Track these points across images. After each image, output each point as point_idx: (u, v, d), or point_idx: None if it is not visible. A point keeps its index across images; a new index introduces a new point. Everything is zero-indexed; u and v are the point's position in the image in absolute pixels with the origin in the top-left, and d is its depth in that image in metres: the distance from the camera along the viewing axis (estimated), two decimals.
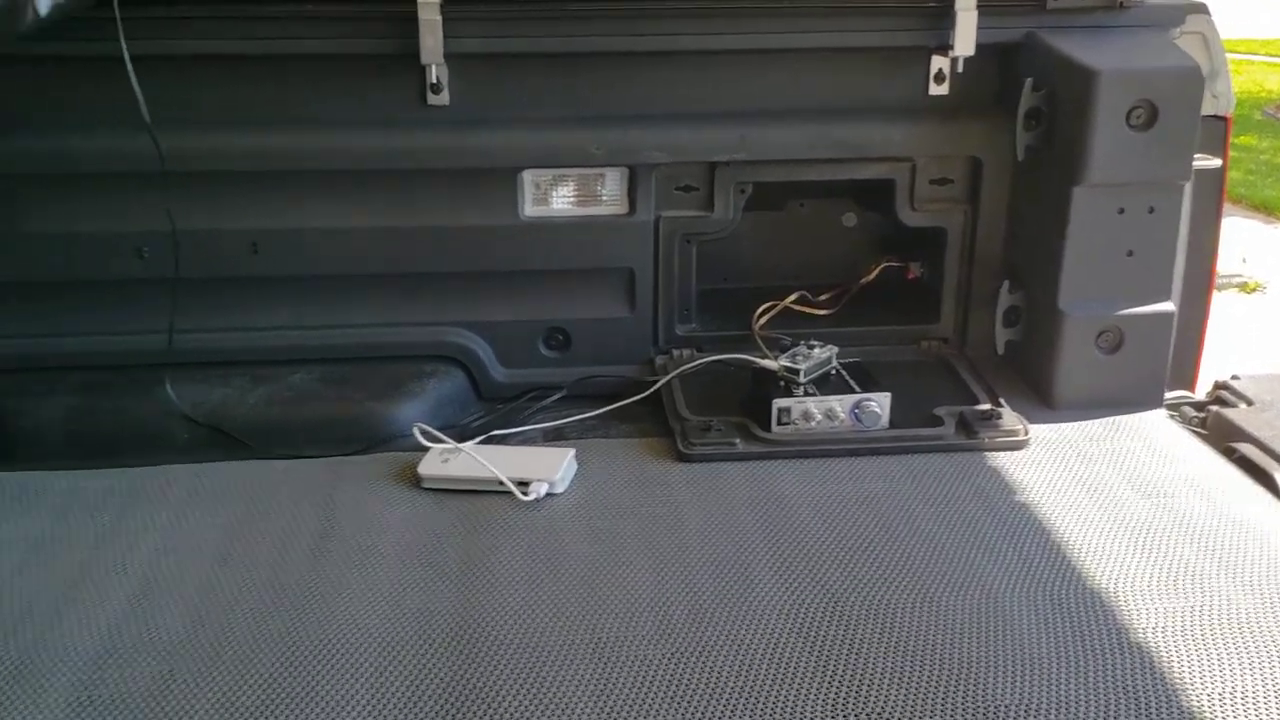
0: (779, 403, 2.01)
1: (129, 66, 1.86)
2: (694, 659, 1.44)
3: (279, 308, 2.19)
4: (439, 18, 2.02)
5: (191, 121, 2.03)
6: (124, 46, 1.84)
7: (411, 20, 2.02)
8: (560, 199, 2.22)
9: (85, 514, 1.80)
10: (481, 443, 2.01)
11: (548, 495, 1.86)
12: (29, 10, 1.63)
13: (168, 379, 2.06)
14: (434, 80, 2.09)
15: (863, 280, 2.41)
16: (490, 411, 2.20)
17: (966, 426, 2.03)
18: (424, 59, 2.04)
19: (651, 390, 2.18)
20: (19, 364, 2.13)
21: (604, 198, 2.23)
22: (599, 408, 2.16)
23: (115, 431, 2.03)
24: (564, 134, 2.16)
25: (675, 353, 2.30)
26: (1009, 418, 2.04)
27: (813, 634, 1.49)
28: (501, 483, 1.85)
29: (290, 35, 2.03)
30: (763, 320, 2.33)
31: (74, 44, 1.90)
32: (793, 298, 2.37)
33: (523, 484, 1.85)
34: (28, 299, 2.13)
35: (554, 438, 2.09)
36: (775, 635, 1.48)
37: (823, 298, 2.40)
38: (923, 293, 2.39)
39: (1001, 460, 1.96)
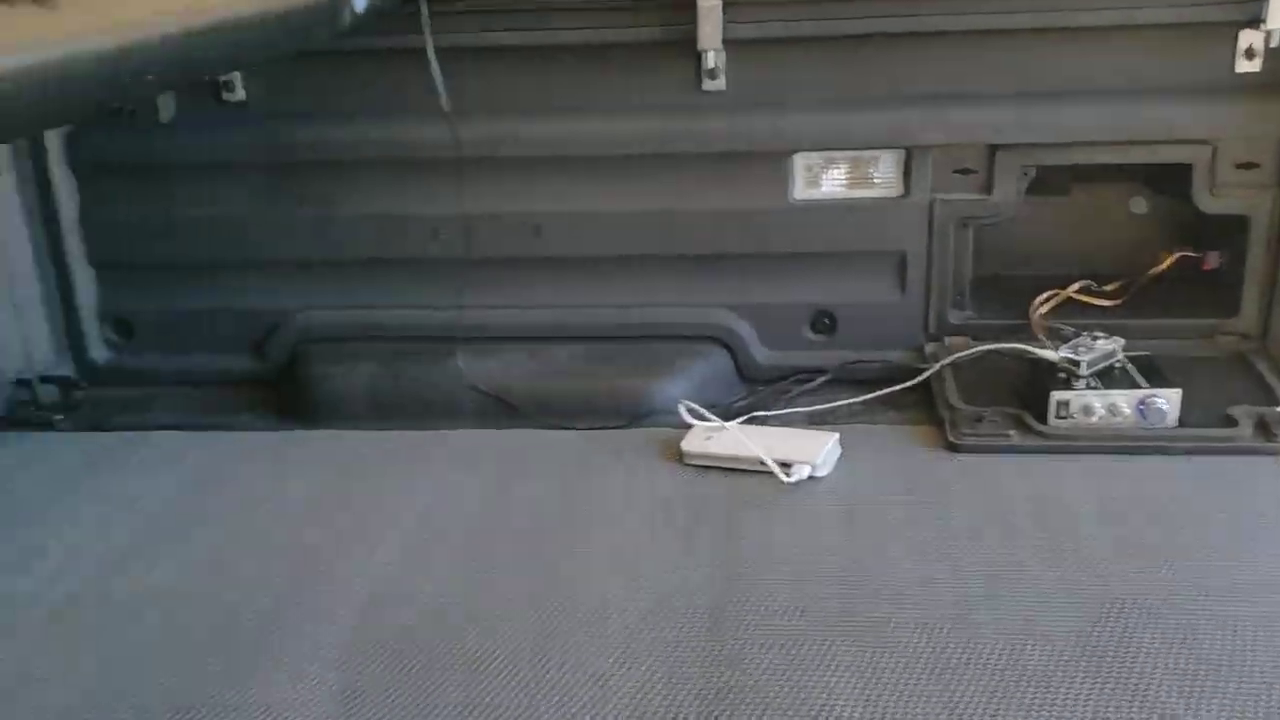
0: (1058, 395, 1.93)
1: (433, 59, 1.99)
2: (961, 652, 1.41)
3: (557, 286, 2.28)
4: (718, 3, 2.05)
5: (484, 110, 2.15)
6: (429, 40, 1.97)
7: (690, 7, 2.06)
8: (831, 181, 2.21)
9: (373, 470, 1.95)
10: (744, 423, 2.03)
11: (810, 478, 1.86)
12: (347, 10, 1.77)
13: (458, 351, 2.20)
14: (710, 66, 2.12)
15: (1154, 270, 2.26)
16: (753, 393, 2.22)
17: (1265, 429, 1.88)
18: (701, 45, 2.07)
19: (922, 378, 2.14)
20: (328, 334, 2.32)
21: (877, 180, 2.20)
22: (865, 393, 2.14)
23: (410, 397, 2.18)
24: (838, 116, 2.14)
25: (947, 340, 2.24)
26: None
27: (1090, 639, 1.42)
28: (763, 462, 1.87)
29: (575, 25, 2.11)
30: (1043, 309, 2.23)
31: (383, 39, 2.04)
32: (1075, 287, 2.26)
33: (785, 465, 1.86)
34: (338, 276, 2.31)
35: (817, 422, 2.08)
36: (1049, 637, 1.43)
37: (1108, 287, 2.27)
38: (1220, 284, 2.22)
39: None
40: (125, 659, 1.48)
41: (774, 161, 2.18)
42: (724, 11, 2.06)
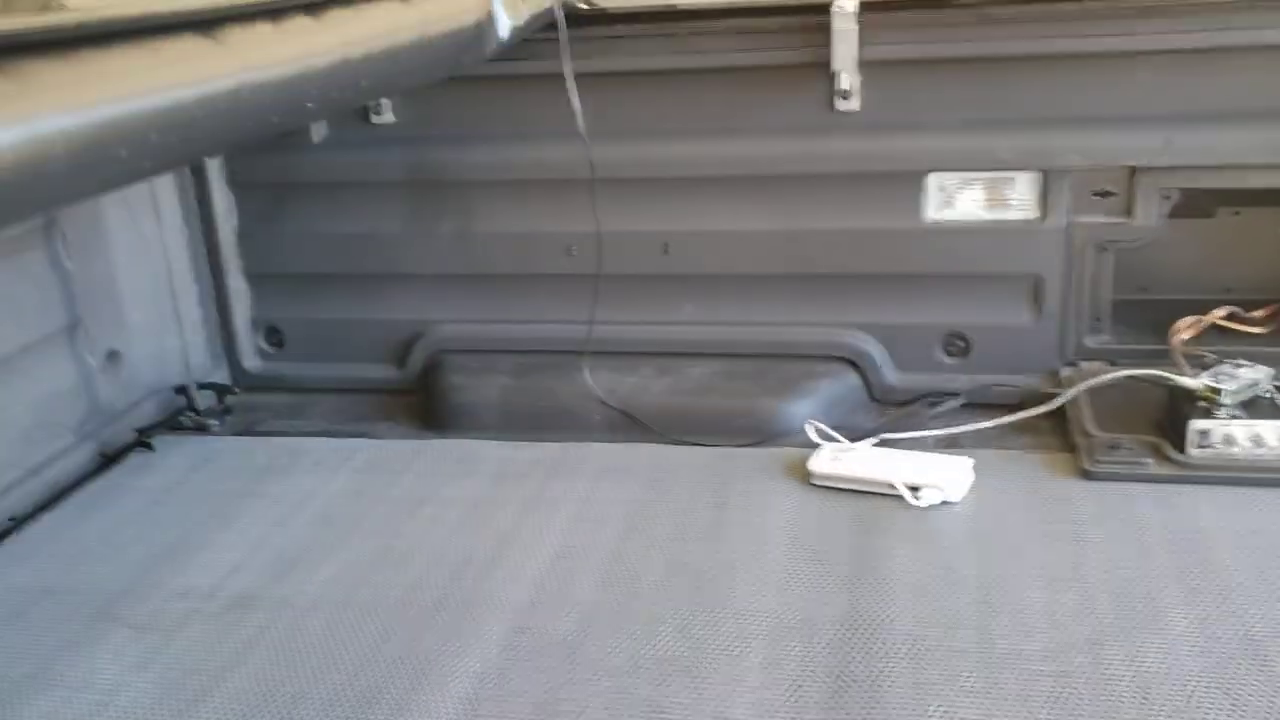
0: (1198, 424, 1.88)
1: (570, 83, 2.05)
2: (1087, 682, 1.39)
3: (685, 304, 2.32)
4: (855, 27, 2.06)
5: (618, 132, 2.20)
6: (567, 65, 2.03)
7: (824, 30, 2.07)
8: (967, 202, 2.19)
9: (515, 480, 2.01)
10: (873, 444, 2.03)
11: (942, 503, 1.85)
12: (493, 37, 1.84)
13: (586, 365, 2.25)
14: (844, 87, 2.13)
15: None
16: (883, 414, 2.21)
17: None
18: (835, 65, 2.08)
19: (1057, 403, 2.09)
20: (465, 346, 2.40)
21: (1013, 202, 2.17)
22: (998, 417, 2.11)
23: (540, 409, 2.24)
24: (974, 137, 2.13)
25: (1084, 365, 2.20)
26: None
27: (1226, 676, 1.39)
28: (893, 485, 1.87)
29: (708, 49, 2.14)
30: (1185, 335, 2.17)
31: (525, 64, 2.11)
32: (1221, 313, 2.19)
33: (914, 488, 1.85)
34: (475, 289, 2.39)
35: (948, 445, 2.07)
36: (1182, 672, 1.40)
37: (1256, 314, 2.20)
38: None
39: None
40: (293, 656, 1.56)
41: (907, 182, 2.17)
42: (859, 33, 2.06)
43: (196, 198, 2.42)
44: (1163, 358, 2.13)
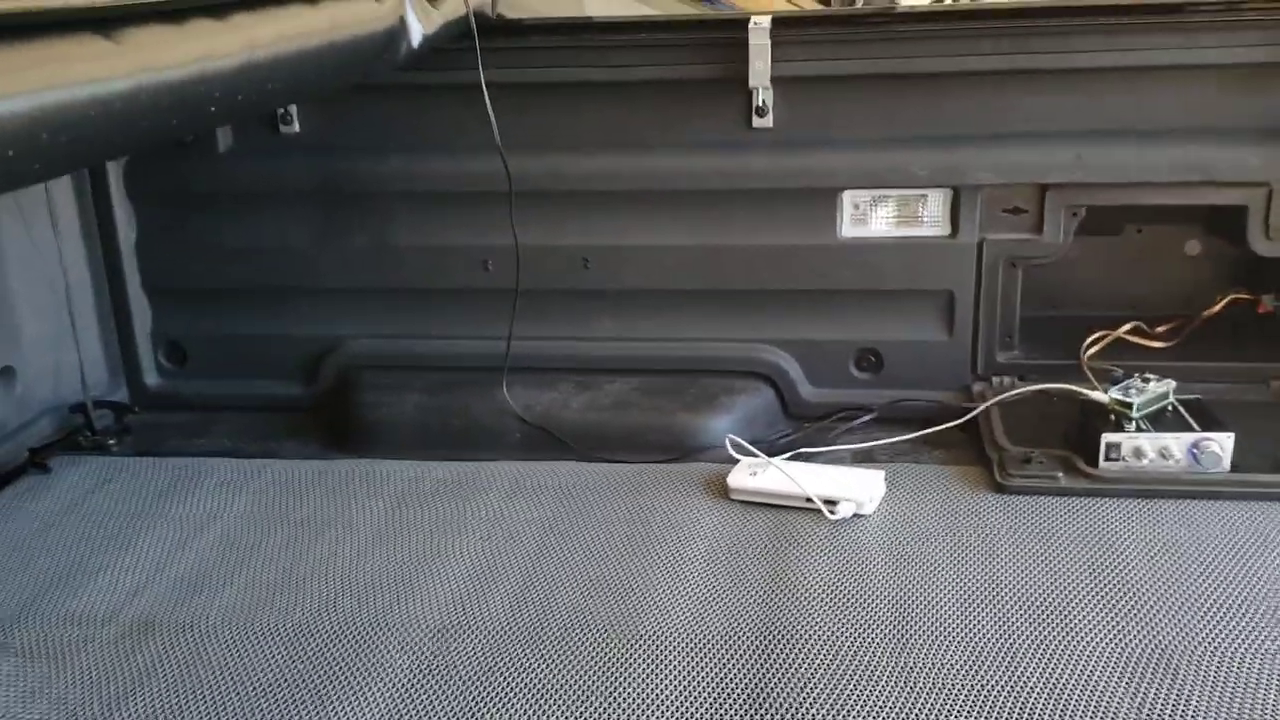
0: (1108, 437, 1.91)
1: (485, 94, 2.02)
2: (1005, 696, 1.39)
3: (604, 319, 2.30)
4: (768, 42, 2.06)
5: (535, 144, 2.18)
6: (482, 75, 2.00)
7: (742, 45, 2.07)
8: (880, 220, 2.21)
9: (424, 500, 1.96)
10: (789, 459, 2.03)
11: (855, 515, 1.85)
12: (404, 44, 1.80)
13: (504, 382, 2.21)
14: (760, 103, 2.14)
15: (1207, 313, 2.24)
16: (799, 429, 2.21)
17: None
18: (752, 82, 2.08)
19: (969, 417, 2.12)
20: (377, 361, 2.35)
21: (925, 219, 2.20)
22: (911, 432, 2.13)
23: (455, 427, 2.20)
24: (887, 155, 2.14)
25: (995, 380, 2.22)
26: None
27: (1137, 685, 1.40)
28: (809, 499, 1.86)
29: (625, 64, 2.13)
30: (1093, 350, 2.21)
31: (438, 74, 2.08)
32: (1127, 328, 2.24)
33: (830, 502, 1.85)
34: (391, 304, 2.34)
35: (863, 459, 2.07)
36: (1095, 681, 1.41)
37: (1160, 329, 2.25)
38: (1276, 328, 2.19)
39: None
40: (193, 683, 1.49)
41: (822, 199, 2.18)
42: (774, 50, 2.07)
43: (95, 208, 2.33)
44: (1073, 373, 2.17)
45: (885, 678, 1.44)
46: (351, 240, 2.31)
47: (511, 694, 1.44)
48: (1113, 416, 1.94)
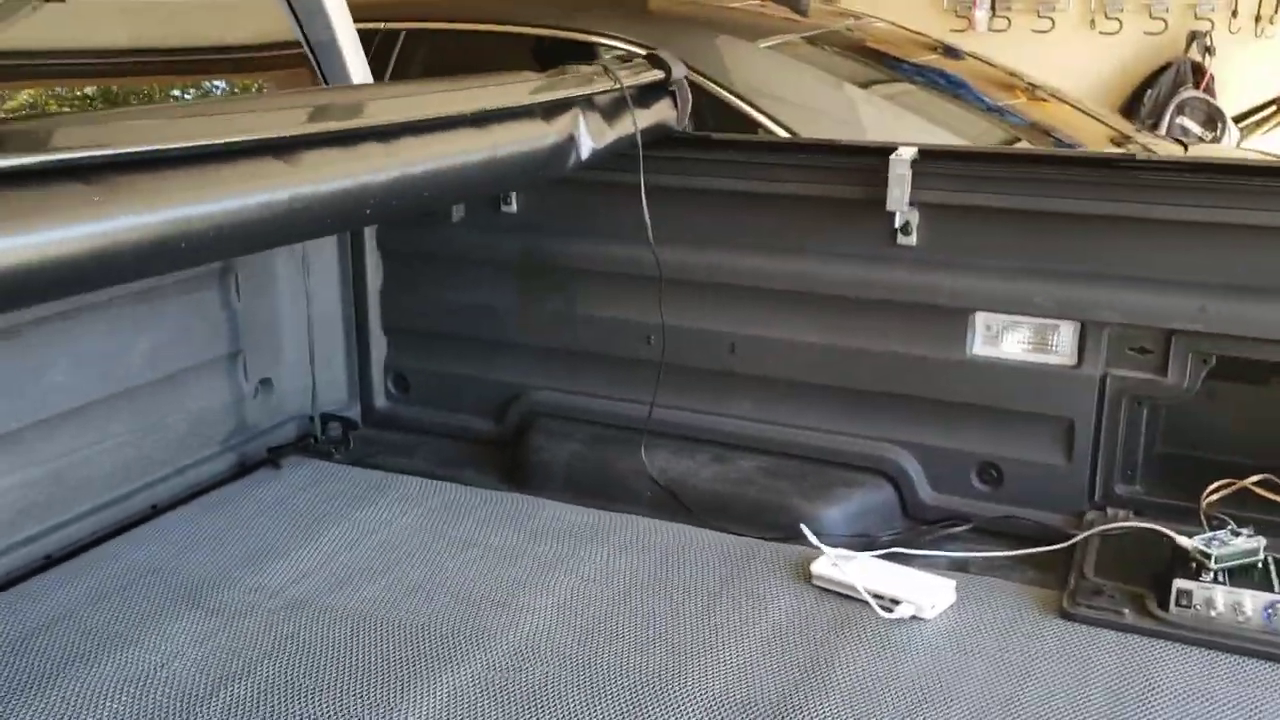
0: (1180, 583, 1.95)
1: (643, 196, 2.34)
2: None
3: (744, 401, 2.54)
4: (909, 173, 2.25)
5: (696, 240, 2.47)
6: (642, 180, 2.32)
7: (883, 171, 2.27)
8: (1012, 343, 2.32)
9: (554, 538, 2.29)
10: (881, 557, 2.19)
11: (913, 618, 2.00)
12: (573, 155, 2.15)
13: (644, 444, 2.51)
14: (903, 223, 2.32)
15: None
16: (911, 529, 2.36)
17: None
18: (889, 206, 2.28)
19: (1069, 543, 2.20)
20: (554, 411, 2.70)
21: (1054, 347, 2.29)
22: (1013, 549, 2.23)
23: (601, 478, 2.51)
24: (1018, 284, 2.27)
25: (1110, 511, 2.28)
26: None
27: None
28: (880, 596, 2.03)
29: (785, 179, 2.39)
30: (1214, 498, 2.23)
31: (610, 174, 2.41)
32: (1254, 479, 2.23)
33: (894, 602, 2.01)
34: (570, 364, 2.69)
35: (959, 568, 2.20)
36: None
37: None
38: None
39: None
40: (316, 656, 1.89)
41: (955, 316, 2.33)
42: (916, 179, 2.26)
43: (352, 259, 2.83)
44: (1191, 516, 2.19)
45: None
46: (544, 306, 2.69)
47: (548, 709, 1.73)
48: (1193, 564, 1.98)
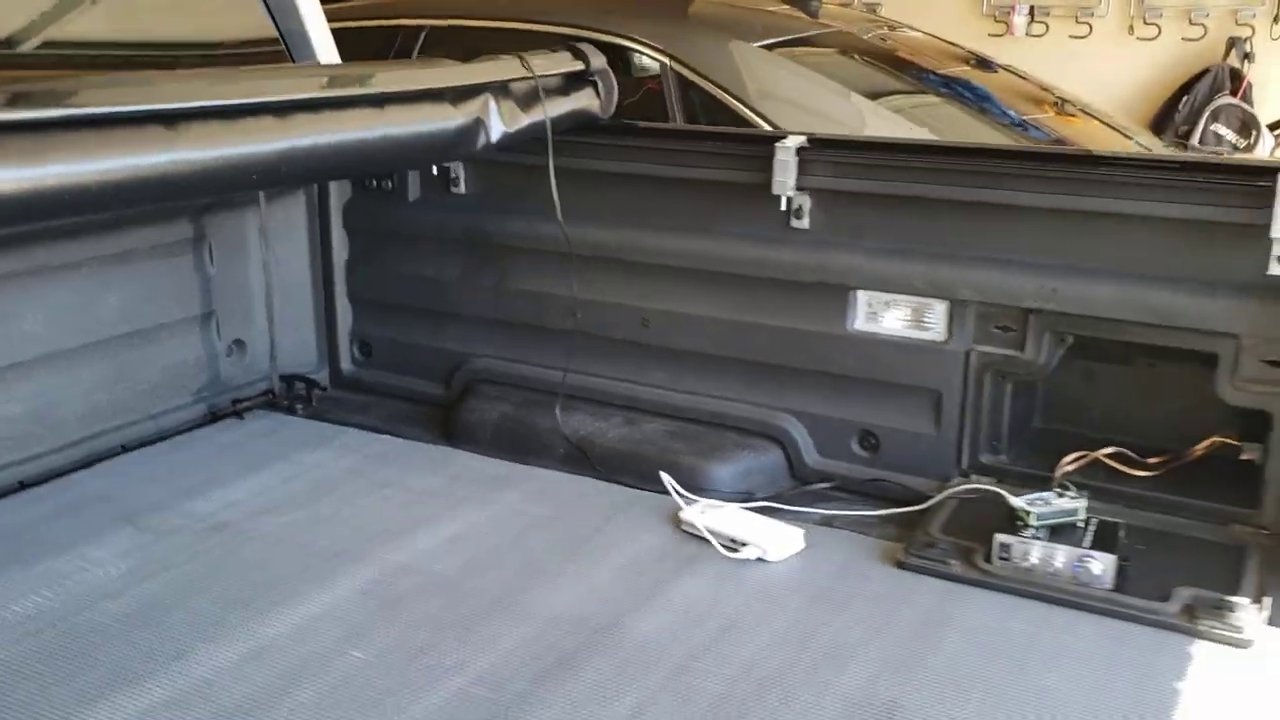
0: (1000, 538, 2.12)
1: (552, 177, 2.57)
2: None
3: (656, 370, 2.76)
4: (793, 159, 2.45)
5: (610, 221, 2.70)
6: (551, 163, 2.56)
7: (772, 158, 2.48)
8: (890, 319, 2.50)
9: (466, 484, 2.54)
10: (756, 510, 2.39)
11: (759, 560, 2.20)
12: (482, 138, 2.40)
13: (558, 406, 2.74)
14: (795, 208, 2.52)
15: (1193, 450, 2.33)
16: (791, 490, 2.56)
17: (1190, 612, 1.96)
18: (774, 190, 2.47)
19: (926, 505, 2.37)
20: (491, 378, 2.95)
21: (929, 324, 2.47)
22: (878, 509, 2.41)
23: (521, 436, 2.75)
24: (896, 264, 2.45)
25: (975, 478, 2.44)
26: (1244, 613, 1.93)
27: None
28: (732, 540, 2.23)
29: (691, 164, 2.61)
30: (1070, 468, 2.38)
31: (541, 158, 2.63)
32: (1107, 451, 2.37)
33: (741, 544, 2.22)
34: (506, 334, 2.94)
35: (826, 524, 2.38)
36: None
37: (1151, 460, 2.36)
38: (1254, 475, 2.25)
39: (1204, 655, 1.88)
40: (215, 570, 2.17)
41: (838, 294, 2.52)
42: (803, 165, 2.45)
43: (321, 233, 3.12)
44: (1047, 482, 2.35)
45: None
46: (483, 280, 2.93)
47: (440, 623, 1.99)
48: (1018, 522, 2.15)
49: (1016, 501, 2.18)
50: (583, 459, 2.66)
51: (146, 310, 2.79)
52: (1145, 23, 6.77)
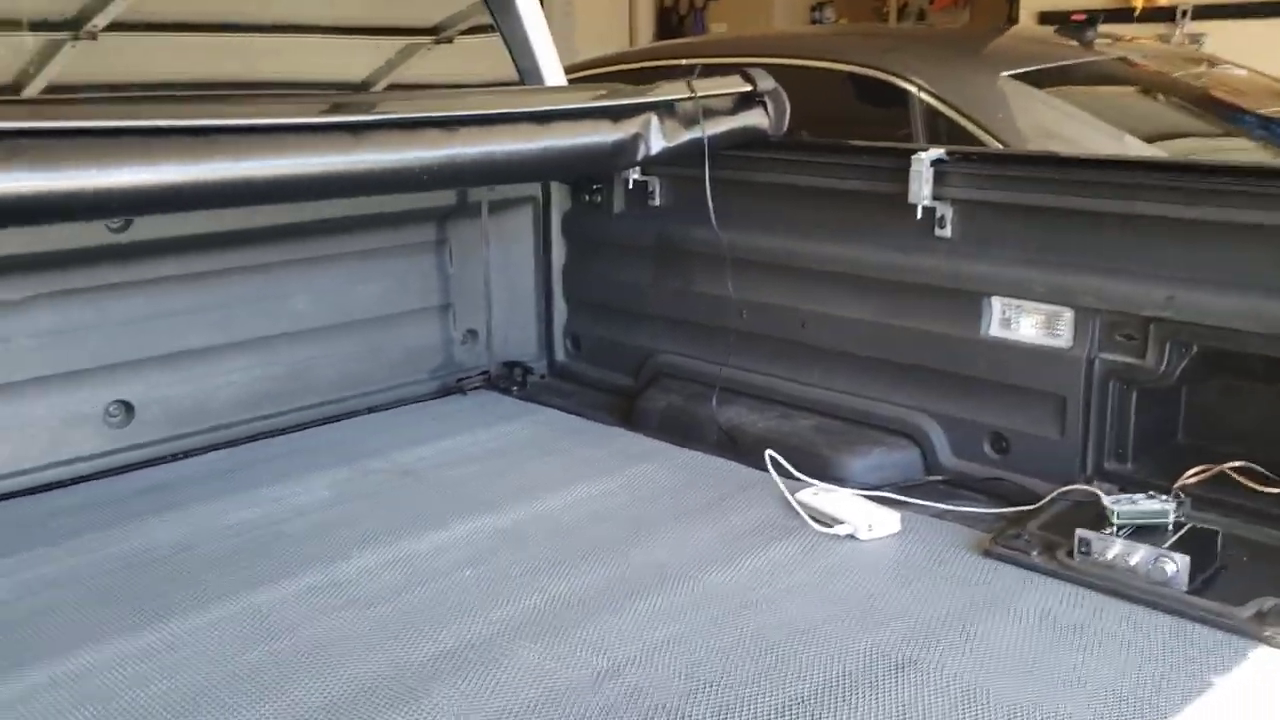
0: (1081, 533, 2.17)
1: (707, 188, 2.85)
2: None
3: (809, 369, 2.95)
4: (927, 171, 2.60)
5: (760, 226, 2.94)
6: (707, 175, 2.84)
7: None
8: (1022, 325, 2.58)
9: (615, 458, 2.86)
10: (863, 495, 2.54)
11: (849, 537, 2.36)
12: (641, 151, 2.72)
13: (714, 397, 3.00)
14: (939, 217, 2.65)
15: None
16: (923, 484, 2.68)
17: (1260, 617, 1.94)
18: (910, 199, 2.63)
19: (1036, 505, 2.43)
20: (672, 372, 3.26)
21: (1057, 331, 2.52)
22: (999, 507, 2.50)
23: (681, 423, 3.04)
24: (1028, 272, 2.53)
25: (1096, 484, 2.47)
26: None
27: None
28: (834, 519, 2.41)
29: (835, 176, 2.81)
30: (1193, 479, 2.35)
31: (720, 171, 2.93)
32: (1233, 465, 2.33)
33: (836, 521, 2.39)
34: (684, 332, 3.24)
35: (938, 517, 2.50)
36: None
37: None
38: None
39: (1269, 661, 1.87)
40: (396, 503, 2.61)
41: (973, 301, 2.62)
42: (944, 178, 2.59)
43: (544, 242, 3.56)
44: (1166, 492, 2.35)
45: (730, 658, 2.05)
46: (669, 283, 3.25)
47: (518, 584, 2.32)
48: (1105, 520, 2.19)
49: (1105, 500, 2.21)
50: (731, 445, 2.91)
51: (396, 299, 3.32)
52: None
